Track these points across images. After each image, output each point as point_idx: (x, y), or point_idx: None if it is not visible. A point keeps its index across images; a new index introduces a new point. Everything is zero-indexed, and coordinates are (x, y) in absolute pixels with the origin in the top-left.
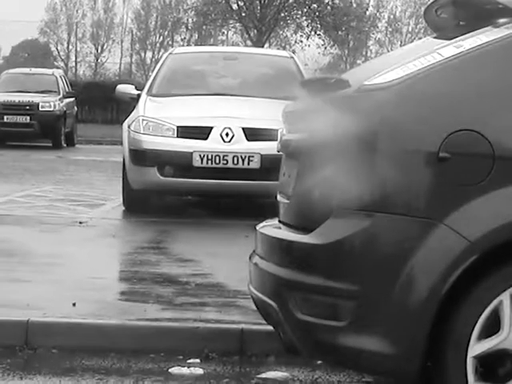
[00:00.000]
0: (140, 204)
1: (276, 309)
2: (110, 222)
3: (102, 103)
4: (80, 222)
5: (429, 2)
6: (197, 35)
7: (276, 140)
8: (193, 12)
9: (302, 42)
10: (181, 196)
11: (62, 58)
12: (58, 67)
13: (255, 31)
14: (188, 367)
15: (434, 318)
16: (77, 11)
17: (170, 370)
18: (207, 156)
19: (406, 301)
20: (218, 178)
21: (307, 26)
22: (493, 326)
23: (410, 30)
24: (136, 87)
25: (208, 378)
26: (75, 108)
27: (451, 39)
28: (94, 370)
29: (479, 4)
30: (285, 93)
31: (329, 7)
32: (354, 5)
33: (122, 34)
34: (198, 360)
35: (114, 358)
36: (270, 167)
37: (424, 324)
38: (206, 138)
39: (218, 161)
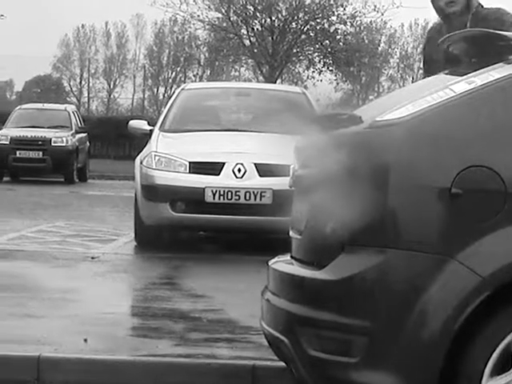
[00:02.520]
0: (152, 239)
1: (288, 345)
2: (122, 257)
3: (114, 139)
4: (92, 258)
5: (440, 39)
6: (209, 71)
7: (288, 175)
8: (205, 48)
9: (313, 77)
10: (193, 232)
11: (75, 93)
12: (70, 103)
13: (267, 67)
14: None
15: (446, 354)
16: (90, 47)
17: None
18: (219, 192)
19: (418, 337)
20: (230, 213)
21: (319, 61)
22: (506, 363)
23: (422, 66)
24: (148, 123)
25: None
26: (88, 143)
27: (463, 75)
28: None
29: (491, 40)
30: (297, 128)
31: (341, 43)
32: (366, 41)
33: (134, 69)
34: None
35: None
36: (282, 203)
37: (436, 360)
38: (218, 174)
39: (230, 196)
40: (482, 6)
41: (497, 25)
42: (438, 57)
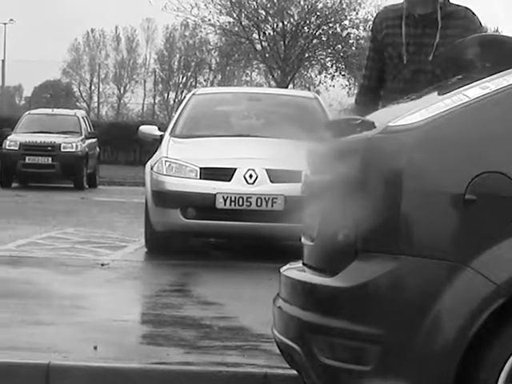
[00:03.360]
0: (162, 246)
1: (300, 353)
2: (132, 264)
3: (124, 144)
4: (102, 264)
5: (454, 44)
6: (220, 76)
7: (300, 181)
8: (216, 53)
9: (326, 82)
10: (204, 238)
11: (85, 98)
12: (80, 108)
13: (279, 72)
14: None
15: (460, 362)
16: (100, 52)
17: None
18: (230, 198)
19: (431, 345)
20: (241, 220)
21: (331, 66)
22: None
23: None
24: (159, 128)
25: None
26: (97, 149)
27: (477, 80)
28: None
29: (505, 45)
30: (309, 134)
31: (353, 48)
32: None
33: (145, 74)
34: None
35: None
36: (293, 209)
37: (450, 368)
38: (229, 180)
39: (241, 202)
40: (449, 1)
41: (464, 24)
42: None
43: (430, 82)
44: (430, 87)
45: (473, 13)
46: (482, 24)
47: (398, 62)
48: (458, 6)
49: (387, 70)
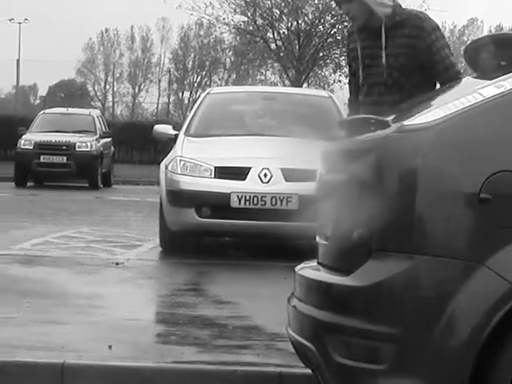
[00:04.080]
0: (177, 245)
1: (315, 352)
2: (147, 263)
3: (139, 143)
4: (116, 264)
5: (469, 42)
6: (235, 75)
7: (314, 181)
8: (231, 52)
9: (340, 81)
10: (218, 237)
11: (99, 98)
12: (94, 107)
13: (293, 71)
14: None
15: (474, 361)
16: (114, 51)
17: None
18: (245, 197)
19: (446, 344)
20: (255, 219)
21: (346, 64)
22: None
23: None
24: (173, 127)
25: None
26: (112, 148)
27: (492, 79)
28: None
29: None
30: (324, 133)
31: None
32: None
33: (159, 73)
34: None
35: None
36: (308, 208)
37: (465, 367)
38: (243, 179)
39: (256, 202)
40: (400, 6)
41: (412, 33)
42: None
43: (382, 95)
44: (385, 100)
45: (424, 18)
46: (439, 27)
47: (359, 75)
48: (412, 12)
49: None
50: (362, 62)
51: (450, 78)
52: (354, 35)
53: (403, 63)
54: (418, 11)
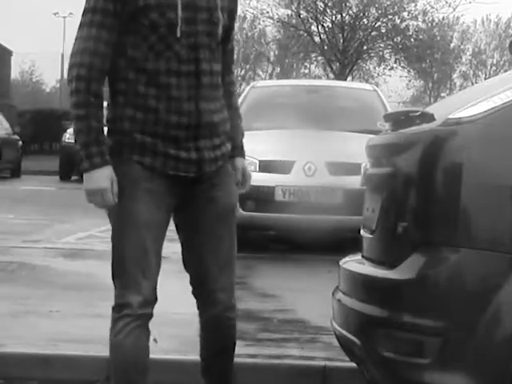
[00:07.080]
0: None
1: (359, 346)
2: None
3: None
4: (162, 257)
5: None
6: (279, 68)
7: (359, 174)
8: (275, 45)
9: (384, 74)
10: (262, 231)
11: None
12: None
13: (338, 64)
14: None
15: None
16: None
17: None
18: (289, 190)
19: (492, 338)
20: (300, 212)
21: (390, 57)
22: None
23: (495, 62)
24: None
25: None
26: None
27: None
28: None
29: None
30: (368, 126)
31: (412, 39)
32: (438, 37)
33: None
34: None
35: None
36: (353, 202)
37: (510, 362)
38: (288, 173)
39: (300, 195)
40: None
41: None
42: None
43: (209, 61)
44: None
45: None
46: None
47: (166, 33)
48: None
49: (141, 44)
50: (182, 14)
51: None
52: None
53: None
54: None
